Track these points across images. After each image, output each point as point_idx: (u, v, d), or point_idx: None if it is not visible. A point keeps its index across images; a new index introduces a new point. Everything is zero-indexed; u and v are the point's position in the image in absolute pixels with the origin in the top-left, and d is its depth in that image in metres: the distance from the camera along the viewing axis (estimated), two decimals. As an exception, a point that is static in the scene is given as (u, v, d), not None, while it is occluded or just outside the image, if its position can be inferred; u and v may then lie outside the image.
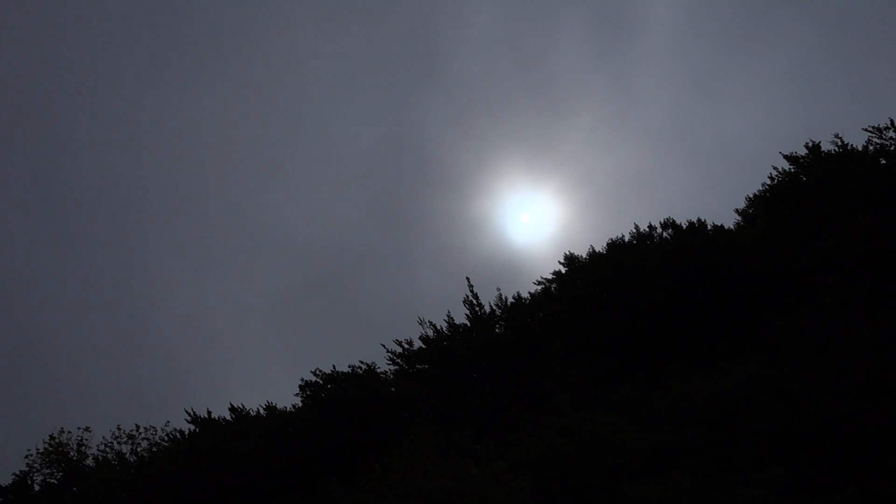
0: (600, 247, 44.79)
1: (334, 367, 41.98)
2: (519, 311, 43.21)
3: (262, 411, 43.67)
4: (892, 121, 36.68)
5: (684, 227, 41.90)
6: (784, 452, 24.95)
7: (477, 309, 43.09)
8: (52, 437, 46.93)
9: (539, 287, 45.51)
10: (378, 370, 42.00)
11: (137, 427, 47.54)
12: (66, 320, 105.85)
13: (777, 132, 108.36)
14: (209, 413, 44.07)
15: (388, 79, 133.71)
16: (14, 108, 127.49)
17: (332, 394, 41.04)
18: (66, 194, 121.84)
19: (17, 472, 45.93)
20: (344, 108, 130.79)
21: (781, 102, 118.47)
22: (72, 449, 46.91)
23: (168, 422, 47.52)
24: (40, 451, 46.46)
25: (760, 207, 42.67)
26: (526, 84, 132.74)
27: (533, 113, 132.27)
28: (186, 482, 39.50)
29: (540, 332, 40.70)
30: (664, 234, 42.60)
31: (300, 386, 42.36)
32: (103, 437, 47.13)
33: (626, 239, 43.84)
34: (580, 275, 43.98)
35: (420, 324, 42.92)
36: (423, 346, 42.69)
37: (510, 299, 43.78)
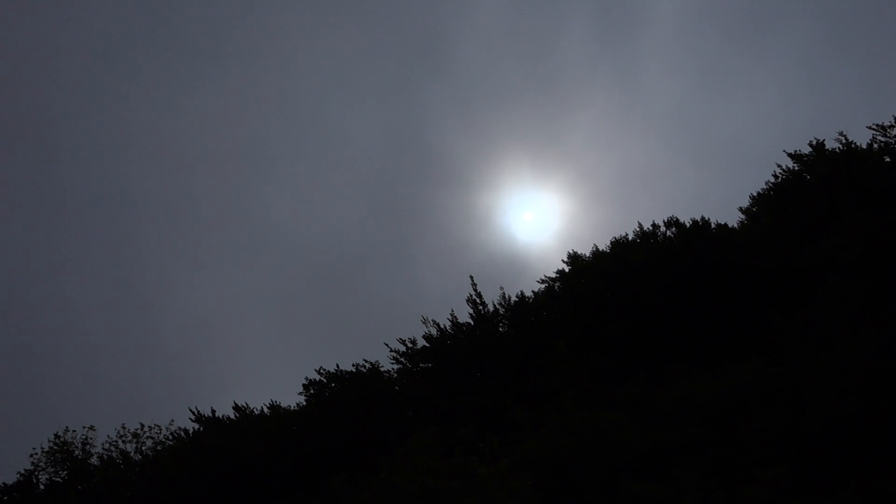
0: (604, 245, 44.91)
1: (338, 365, 42.21)
2: (522, 310, 43.27)
3: (265, 410, 43.79)
4: (896, 118, 36.67)
5: (688, 225, 41.92)
6: (787, 451, 24.96)
7: (480, 308, 43.17)
8: (56, 437, 47.12)
9: (542, 286, 45.55)
10: (382, 369, 42.11)
11: (142, 426, 47.75)
12: (70, 320, 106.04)
13: (785, 124, 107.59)
14: (213, 412, 44.28)
15: (390, 71, 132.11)
16: (13, 108, 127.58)
17: (336, 393, 41.16)
18: (69, 194, 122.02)
19: (23, 471, 46.15)
20: (345, 102, 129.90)
21: (790, 94, 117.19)
22: (77, 448, 47.08)
23: (172, 421, 47.72)
24: (45, 450, 46.66)
25: (764, 206, 42.64)
26: (531, 77, 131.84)
27: (537, 106, 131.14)
28: (191, 481, 39.64)
29: (543, 330, 40.75)
30: (668, 233, 42.62)
31: (304, 385, 42.53)
32: (108, 436, 47.39)
33: (630, 237, 43.86)
34: (584, 274, 43.98)
35: (423, 323, 43.09)
36: (427, 345, 42.79)
37: (513, 298, 43.88)
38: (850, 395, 25.66)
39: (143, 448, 47.02)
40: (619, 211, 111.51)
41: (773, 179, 41.75)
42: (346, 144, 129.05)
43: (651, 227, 43.32)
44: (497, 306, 43.41)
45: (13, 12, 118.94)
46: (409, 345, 43.00)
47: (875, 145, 37.22)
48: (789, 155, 39.84)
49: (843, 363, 26.89)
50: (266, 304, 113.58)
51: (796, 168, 39.90)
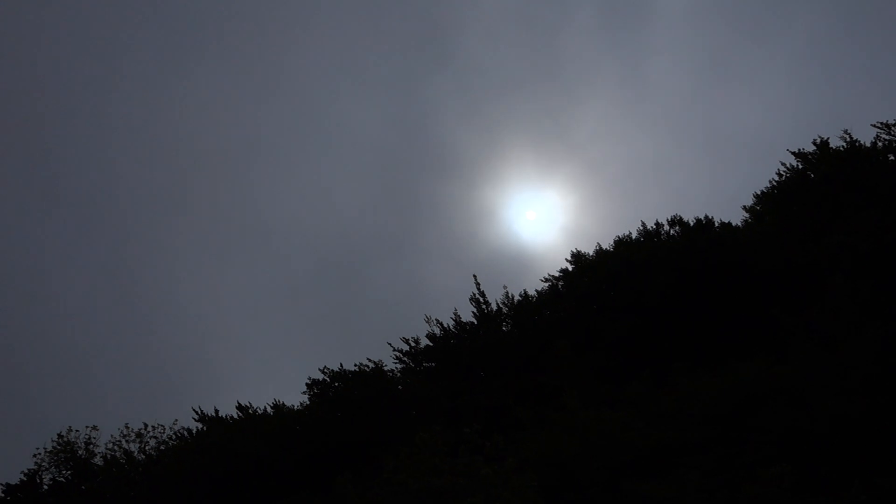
0: (607, 244, 44.87)
1: (341, 364, 42.30)
2: (526, 309, 43.26)
3: (269, 409, 43.84)
4: (900, 116, 36.57)
5: (691, 224, 41.93)
6: (791, 450, 24.89)
7: (484, 307, 43.15)
8: (60, 436, 47.18)
9: (546, 285, 45.55)
10: (385, 368, 42.16)
11: (145, 425, 47.82)
12: (73, 318, 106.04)
13: (796, 117, 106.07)
14: (216, 411, 44.33)
15: (395, 63, 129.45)
16: (2, 104, 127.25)
17: (340, 392, 41.22)
18: (72, 192, 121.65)
19: (26, 471, 46.15)
20: (350, 94, 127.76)
21: (801, 86, 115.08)
22: (80, 447, 47.12)
23: (176, 420, 47.84)
24: (49, 449, 46.71)
25: (768, 204, 42.55)
26: (536, 68, 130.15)
27: (543, 98, 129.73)
28: (195, 480, 39.69)
29: (547, 330, 40.74)
30: (671, 232, 42.62)
31: (307, 384, 42.61)
32: (111, 436, 47.45)
33: (634, 236, 43.86)
34: (587, 272, 43.98)
35: (427, 322, 43.07)
36: (430, 344, 42.78)
37: (517, 297, 43.83)
38: (855, 394, 25.61)
39: (147, 448, 47.11)
40: (627, 205, 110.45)
41: (776, 178, 41.76)
42: (347, 137, 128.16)
43: (654, 226, 43.34)
44: (500, 305, 43.39)
45: (2, 7, 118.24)
46: (413, 344, 42.99)
47: (879, 143, 37.11)
48: (793, 153, 39.81)
49: (848, 362, 26.85)
50: (269, 301, 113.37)
51: (800, 166, 39.88)
